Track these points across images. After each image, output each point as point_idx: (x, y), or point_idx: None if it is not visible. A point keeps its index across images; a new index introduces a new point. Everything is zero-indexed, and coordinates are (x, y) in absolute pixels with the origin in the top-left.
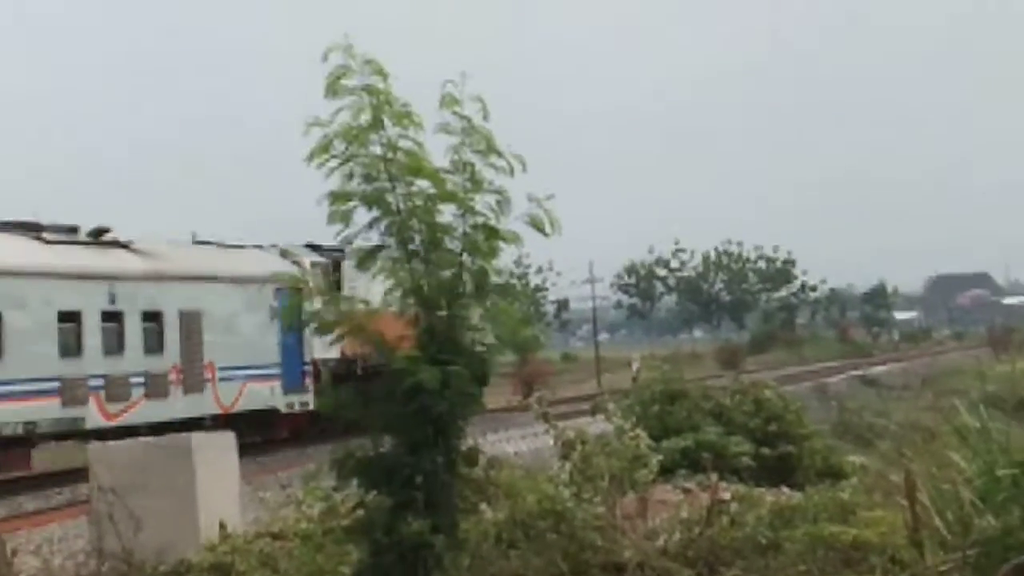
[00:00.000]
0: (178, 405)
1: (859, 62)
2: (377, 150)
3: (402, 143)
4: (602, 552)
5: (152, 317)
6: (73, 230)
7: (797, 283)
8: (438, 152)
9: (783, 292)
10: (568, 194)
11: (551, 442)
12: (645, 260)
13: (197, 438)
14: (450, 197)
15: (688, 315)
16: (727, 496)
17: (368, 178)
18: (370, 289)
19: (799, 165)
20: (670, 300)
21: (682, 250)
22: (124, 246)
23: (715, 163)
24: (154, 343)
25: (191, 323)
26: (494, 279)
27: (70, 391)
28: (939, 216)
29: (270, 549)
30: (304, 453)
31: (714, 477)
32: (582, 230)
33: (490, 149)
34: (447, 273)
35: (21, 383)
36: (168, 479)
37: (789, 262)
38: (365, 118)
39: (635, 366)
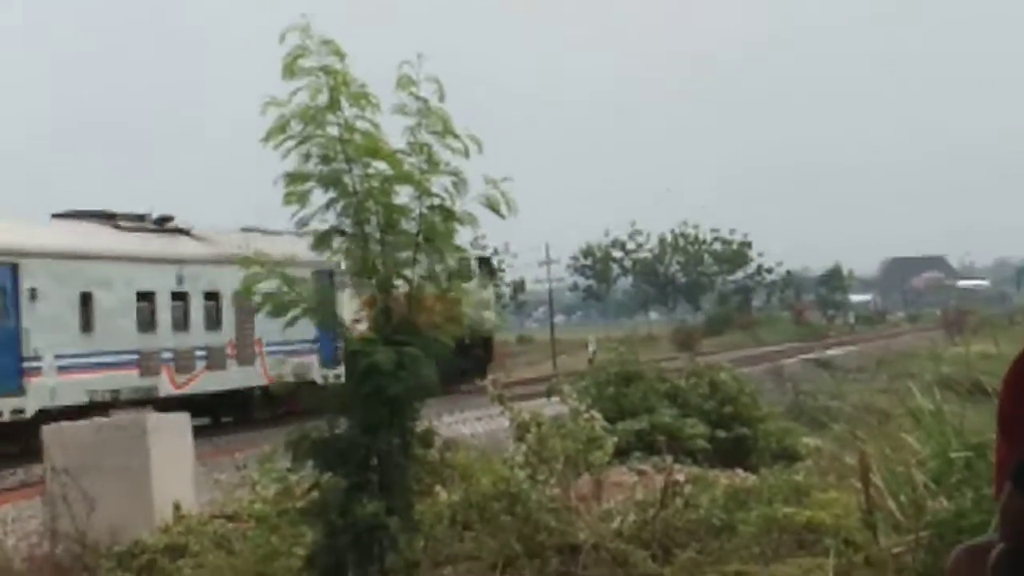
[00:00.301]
0: (234, 376)
1: (812, 49)
2: (334, 131)
3: (359, 124)
4: (557, 533)
5: (212, 297)
6: (142, 218)
7: (753, 265)
8: (395, 133)
9: (739, 274)
10: (525, 176)
11: (506, 424)
12: (601, 242)
13: (152, 419)
14: (406, 178)
15: (644, 297)
16: (682, 478)
17: (325, 159)
18: None
19: (756, 150)
20: (626, 282)
21: (638, 232)
22: (186, 232)
23: (673, 147)
24: (213, 320)
25: (243, 303)
26: (450, 261)
27: (146, 363)
28: (895, 200)
29: (224, 530)
30: (260, 435)
31: (669, 459)
32: (538, 212)
33: (446, 130)
34: (403, 254)
35: (108, 355)
36: (123, 460)
37: (745, 244)
38: (322, 99)
39: (591, 348)
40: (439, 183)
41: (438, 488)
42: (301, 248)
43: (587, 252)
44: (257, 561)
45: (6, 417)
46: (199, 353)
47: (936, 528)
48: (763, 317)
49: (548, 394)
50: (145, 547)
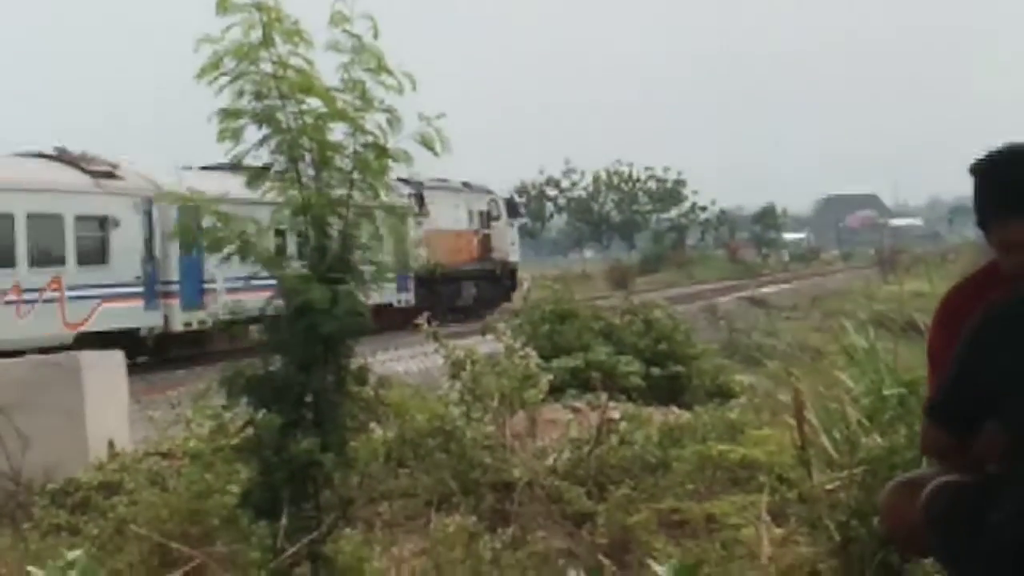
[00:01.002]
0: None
1: None
2: (268, 68)
3: (292, 61)
4: (491, 471)
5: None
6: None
7: (687, 204)
8: (329, 71)
9: (673, 212)
10: (460, 113)
11: (441, 361)
12: (535, 180)
13: (86, 356)
14: (340, 115)
15: (578, 235)
16: (616, 415)
17: (259, 96)
18: (440, 213)
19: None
20: (560, 220)
21: (572, 170)
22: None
23: (607, 84)
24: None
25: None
26: (384, 198)
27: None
28: (828, 137)
29: (159, 467)
30: (193, 372)
31: (603, 396)
32: (473, 149)
33: (380, 67)
34: (338, 192)
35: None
36: (57, 398)
37: (679, 182)
38: (255, 35)
39: (525, 285)
40: (373, 120)
41: (373, 425)
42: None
43: (521, 190)
44: (191, 498)
45: (194, 326)
46: None
47: (869, 464)
48: (697, 255)
49: (483, 332)
50: (79, 485)
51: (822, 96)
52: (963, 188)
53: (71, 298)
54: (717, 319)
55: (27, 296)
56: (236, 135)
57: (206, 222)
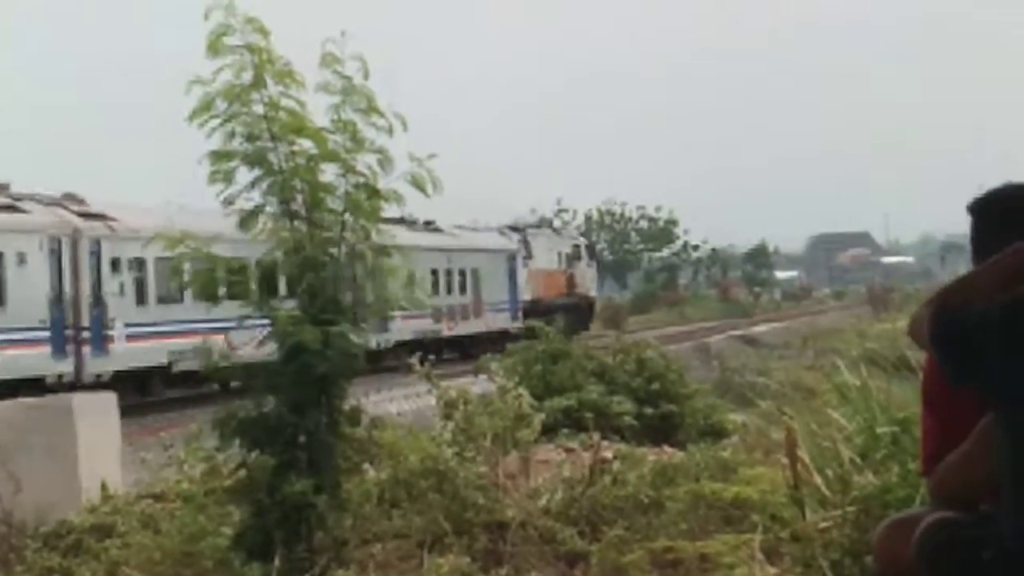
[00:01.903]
0: (473, 325)
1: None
2: (259, 109)
3: (284, 102)
4: (484, 511)
5: (461, 273)
6: (429, 223)
7: (679, 243)
8: (319, 112)
9: (665, 252)
10: (451, 154)
11: (433, 402)
12: (528, 220)
13: (78, 399)
14: (331, 156)
15: None
16: (609, 455)
17: (250, 137)
18: (539, 255)
19: (682, 127)
20: None
21: (564, 210)
22: (441, 230)
23: (598, 124)
24: (463, 287)
25: (474, 277)
26: (376, 239)
27: (437, 315)
28: (820, 176)
29: (152, 510)
30: (185, 414)
31: (596, 436)
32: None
33: (371, 108)
34: (329, 233)
35: (422, 312)
36: (49, 440)
37: (671, 222)
38: (247, 76)
39: None
40: (364, 161)
41: (366, 466)
42: (501, 239)
43: (513, 229)
44: (184, 540)
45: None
46: (460, 309)
47: (862, 503)
48: (689, 294)
49: (476, 372)
50: (72, 527)
51: (814, 132)
52: (955, 226)
53: None
54: (709, 358)
55: None
56: (228, 177)
57: (196, 264)
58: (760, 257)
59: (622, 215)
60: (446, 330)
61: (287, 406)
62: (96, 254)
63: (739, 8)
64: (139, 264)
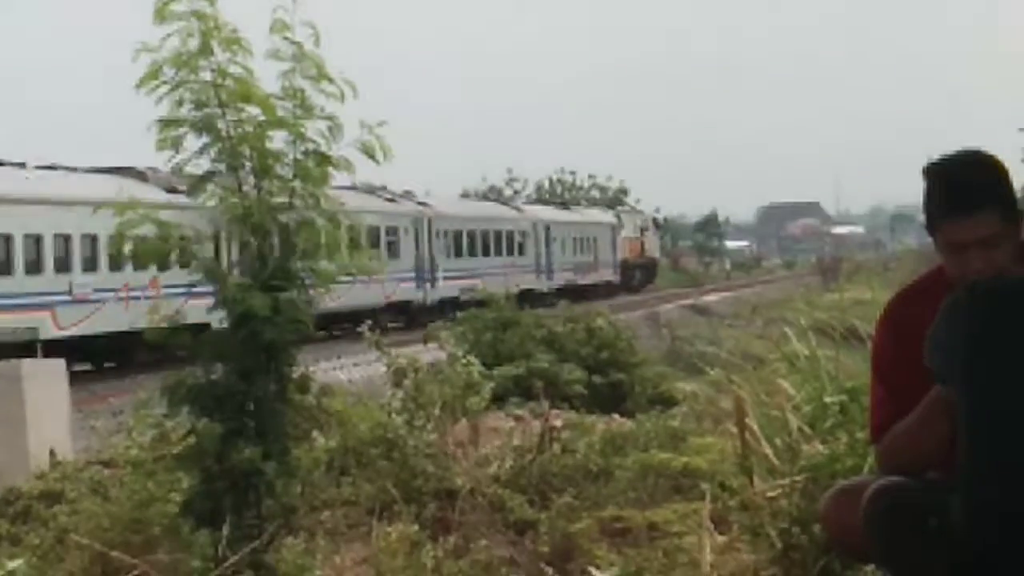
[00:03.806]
0: (592, 277)
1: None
2: (207, 76)
3: (232, 69)
4: (434, 479)
5: (586, 240)
6: (565, 204)
7: None
8: (270, 79)
9: None
10: (402, 121)
11: (383, 370)
12: (478, 188)
13: (27, 365)
14: (280, 123)
15: None
16: (559, 423)
17: (198, 104)
18: (625, 228)
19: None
20: None
21: (515, 179)
22: (570, 209)
23: (551, 92)
24: (586, 251)
25: (593, 243)
26: (325, 205)
27: (576, 270)
28: (771, 146)
29: (101, 477)
30: (135, 381)
31: (546, 404)
32: (416, 157)
33: (321, 75)
34: (278, 200)
35: (571, 267)
36: None
37: (622, 191)
38: (194, 43)
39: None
40: (314, 128)
41: (315, 434)
42: (606, 215)
43: (464, 197)
44: (133, 507)
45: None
46: (586, 265)
47: (811, 471)
48: None
49: (425, 340)
50: (20, 494)
51: (765, 103)
52: (905, 196)
53: None
54: (659, 327)
55: None
56: (176, 144)
57: (143, 231)
58: (711, 227)
59: (573, 184)
60: (580, 280)
61: (236, 373)
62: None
63: None
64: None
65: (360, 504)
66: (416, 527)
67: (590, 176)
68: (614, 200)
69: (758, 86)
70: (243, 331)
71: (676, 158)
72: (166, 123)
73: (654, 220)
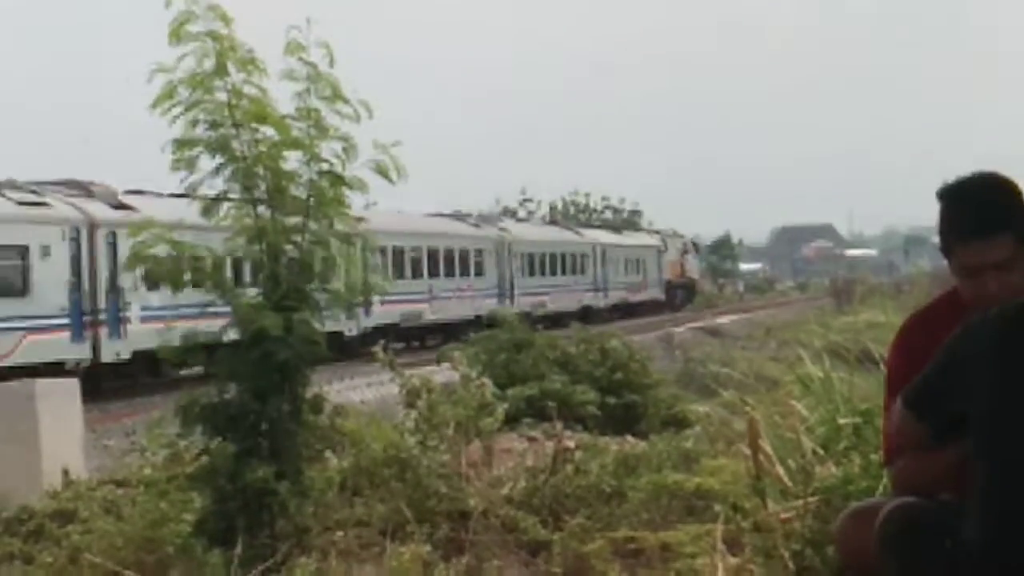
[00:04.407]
0: (642, 296)
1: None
2: (222, 96)
3: (247, 89)
4: (447, 500)
5: (637, 262)
6: (617, 230)
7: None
8: (284, 99)
9: None
10: (416, 142)
11: (397, 390)
12: (492, 209)
13: (40, 384)
14: (295, 144)
15: None
16: (572, 445)
17: (213, 124)
18: (669, 251)
19: (648, 119)
20: None
21: (528, 200)
22: (621, 232)
23: (566, 114)
24: (638, 271)
25: (643, 264)
26: (339, 226)
27: (629, 289)
28: (784, 168)
29: (114, 496)
30: (149, 401)
31: (559, 425)
32: (429, 178)
33: (336, 96)
34: (292, 220)
35: (624, 287)
36: (10, 425)
37: (635, 212)
38: (209, 64)
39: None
40: (328, 149)
41: (328, 454)
42: (651, 238)
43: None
44: (146, 527)
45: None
46: (636, 284)
47: (824, 493)
48: None
49: (439, 360)
50: (33, 513)
51: (779, 125)
52: (918, 218)
53: None
54: (673, 349)
55: None
56: (190, 164)
57: (159, 251)
58: (724, 249)
59: (586, 206)
60: (631, 298)
61: (249, 393)
62: None
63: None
64: None
65: (373, 525)
66: (429, 548)
67: (603, 198)
68: (628, 222)
69: (773, 108)
70: (256, 351)
71: (690, 179)
72: (181, 143)
73: (693, 244)
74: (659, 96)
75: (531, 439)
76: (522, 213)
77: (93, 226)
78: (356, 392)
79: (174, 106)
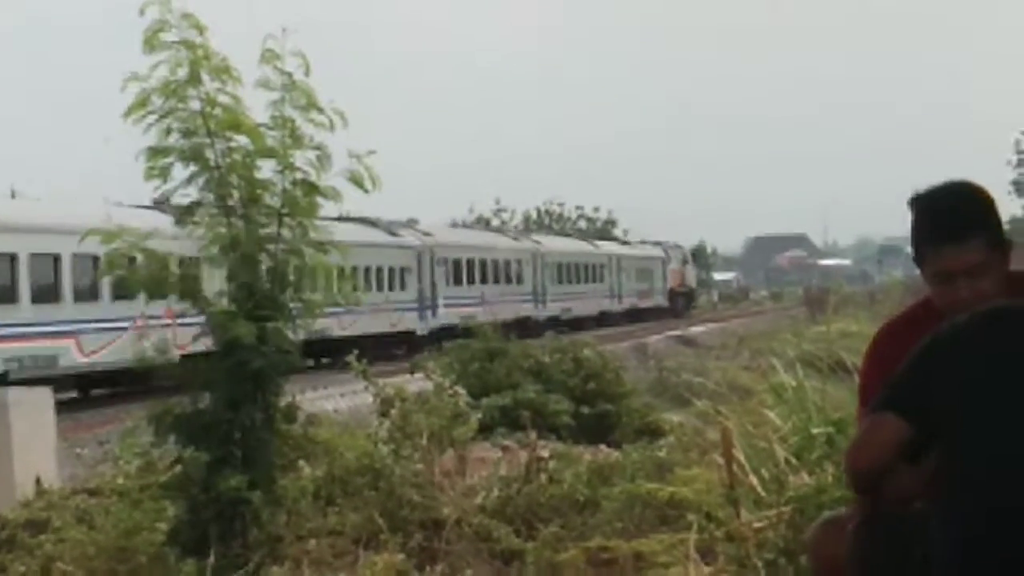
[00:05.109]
0: (647, 302)
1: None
2: (195, 105)
3: (220, 98)
4: (420, 508)
5: (643, 271)
6: (627, 243)
7: None
8: (259, 108)
9: None
10: (390, 150)
11: (370, 400)
12: (466, 219)
13: (14, 393)
14: (269, 153)
15: None
16: (546, 454)
17: (187, 133)
18: (672, 261)
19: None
20: None
21: (503, 209)
22: (631, 244)
23: (537, 122)
24: (642, 280)
25: (648, 274)
26: (313, 235)
27: (639, 295)
28: (758, 177)
29: (87, 505)
30: (123, 409)
31: (533, 435)
32: (404, 187)
33: (310, 104)
34: (266, 229)
35: (634, 293)
36: None
37: (610, 222)
38: (183, 73)
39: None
40: (303, 158)
41: (301, 463)
42: (655, 250)
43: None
44: (119, 536)
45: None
46: (642, 291)
47: (797, 503)
48: None
49: (412, 370)
50: (5, 522)
51: (752, 135)
52: (892, 229)
53: None
54: (647, 358)
55: None
56: (164, 173)
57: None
58: (699, 258)
59: (560, 215)
60: (640, 304)
61: (222, 402)
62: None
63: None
64: None
65: (346, 533)
66: (402, 556)
67: (577, 207)
68: (603, 231)
69: (746, 118)
70: (230, 360)
71: (663, 189)
72: (154, 152)
73: (692, 255)
74: (630, 105)
75: (505, 448)
76: (496, 222)
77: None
78: (330, 401)
79: (147, 115)
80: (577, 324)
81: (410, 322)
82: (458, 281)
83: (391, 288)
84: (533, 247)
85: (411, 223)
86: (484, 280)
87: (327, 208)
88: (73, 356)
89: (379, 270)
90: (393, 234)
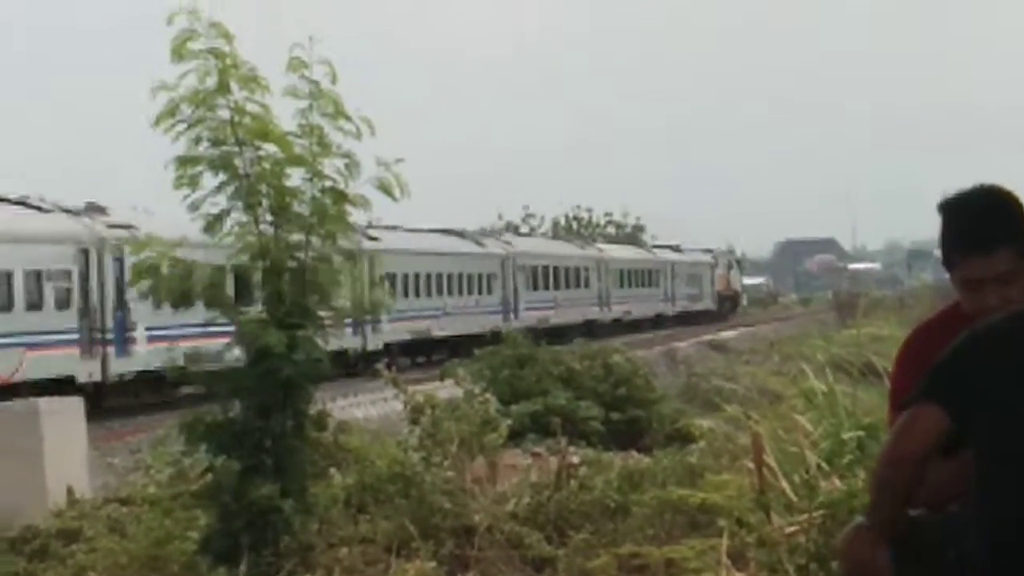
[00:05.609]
0: (697, 305)
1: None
2: (224, 114)
3: (249, 107)
4: (451, 516)
5: (693, 276)
6: (677, 248)
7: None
8: (287, 116)
9: None
10: (419, 157)
11: (401, 407)
12: (495, 225)
13: (45, 403)
14: (298, 161)
15: None
16: (576, 460)
17: (216, 142)
18: (720, 267)
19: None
20: None
21: (531, 215)
22: (682, 251)
23: (564, 129)
24: (693, 284)
25: (698, 279)
26: (342, 243)
27: (691, 298)
28: (787, 181)
29: (118, 514)
30: (153, 418)
31: (563, 441)
32: (432, 194)
33: (338, 113)
34: (295, 237)
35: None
36: (15, 444)
37: (639, 228)
38: (212, 82)
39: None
40: (331, 165)
41: (332, 471)
42: (700, 255)
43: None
44: (151, 545)
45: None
46: (692, 295)
47: (828, 508)
48: None
49: (442, 377)
50: (38, 532)
51: (781, 138)
52: (921, 232)
53: None
54: (676, 364)
55: None
56: (194, 182)
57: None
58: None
59: (589, 221)
60: (691, 307)
61: (253, 410)
62: None
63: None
64: None
65: (378, 541)
66: (434, 564)
67: (606, 214)
68: (632, 237)
69: (775, 121)
70: (260, 368)
71: (691, 194)
72: (183, 161)
73: (737, 261)
74: (660, 108)
75: (535, 455)
76: (524, 229)
77: None
78: (360, 409)
79: (176, 124)
80: (634, 326)
81: (496, 323)
82: (535, 287)
83: (480, 292)
84: (598, 255)
85: (494, 233)
86: (557, 286)
87: (409, 219)
88: None
89: (470, 277)
90: (479, 244)
